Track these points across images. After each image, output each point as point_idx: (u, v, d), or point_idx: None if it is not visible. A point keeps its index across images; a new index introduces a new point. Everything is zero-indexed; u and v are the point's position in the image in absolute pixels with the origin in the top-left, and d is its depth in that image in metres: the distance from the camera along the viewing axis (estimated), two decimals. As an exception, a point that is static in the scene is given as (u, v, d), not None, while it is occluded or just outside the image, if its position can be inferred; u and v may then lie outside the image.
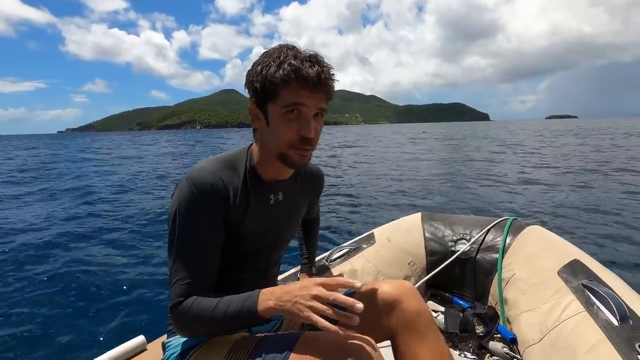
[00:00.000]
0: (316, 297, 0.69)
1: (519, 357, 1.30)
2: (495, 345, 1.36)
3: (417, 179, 9.33)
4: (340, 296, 0.68)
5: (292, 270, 1.65)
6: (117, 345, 1.18)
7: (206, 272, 0.81)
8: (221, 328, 0.78)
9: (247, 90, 0.83)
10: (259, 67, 0.78)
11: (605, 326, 1.09)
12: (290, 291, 0.72)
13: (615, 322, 1.08)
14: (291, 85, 0.75)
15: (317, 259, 1.77)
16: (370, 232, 1.94)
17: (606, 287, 1.23)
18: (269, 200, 0.90)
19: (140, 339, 1.21)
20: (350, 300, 0.68)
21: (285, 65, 0.74)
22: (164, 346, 0.94)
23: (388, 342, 0.88)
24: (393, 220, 2.06)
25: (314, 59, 0.77)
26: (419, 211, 2.06)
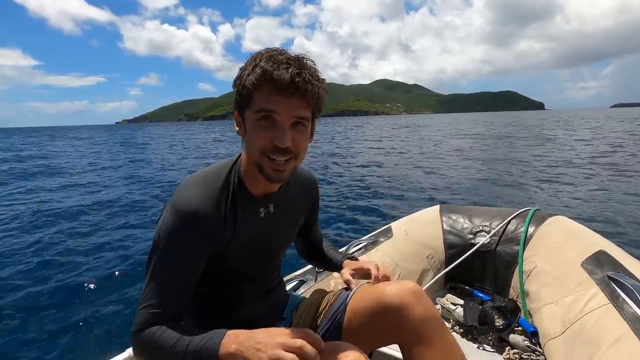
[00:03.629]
0: (281, 346, 0.64)
1: (540, 350, 1.28)
2: (516, 338, 1.34)
3: (439, 172, 9.13)
4: (306, 345, 0.64)
5: (299, 272, 1.65)
6: (119, 353, 1.14)
7: (177, 302, 0.77)
8: None
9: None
10: (240, 72, 0.74)
11: (631, 319, 1.05)
12: (254, 337, 0.67)
13: (642, 315, 1.04)
14: (262, 90, 0.70)
15: (335, 253, 1.80)
16: (388, 225, 1.94)
17: (633, 279, 1.18)
18: (259, 214, 0.85)
19: (128, 353, 1.16)
20: (313, 354, 0.64)
21: (257, 69, 0.69)
22: None
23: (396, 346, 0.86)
24: (411, 213, 2.05)
25: (293, 61, 0.70)
26: (437, 204, 2.03)
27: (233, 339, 0.68)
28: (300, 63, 0.70)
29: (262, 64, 0.69)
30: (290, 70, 0.68)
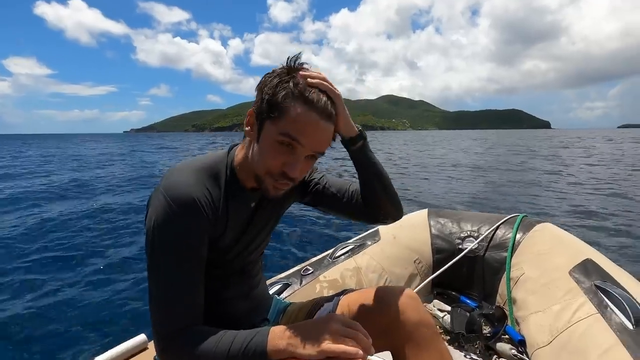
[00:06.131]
0: (335, 333, 0.63)
1: (527, 359, 1.26)
2: (503, 346, 1.32)
3: (425, 178, 9.21)
4: (359, 334, 0.63)
5: (283, 275, 1.61)
6: (118, 344, 1.18)
7: (197, 298, 0.71)
8: None
9: (255, 92, 0.73)
10: (277, 80, 0.68)
11: (620, 330, 1.04)
12: (303, 330, 0.65)
13: (630, 326, 1.03)
14: (297, 113, 0.66)
15: (320, 256, 1.75)
16: (375, 228, 1.90)
17: (620, 289, 1.18)
18: (250, 207, 0.83)
19: (141, 337, 1.20)
20: (368, 343, 0.63)
21: (298, 88, 0.67)
22: None
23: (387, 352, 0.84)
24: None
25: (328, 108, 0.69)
26: (425, 208, 2.01)
27: (280, 334, 0.65)
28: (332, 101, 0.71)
29: (310, 95, 0.67)
30: (330, 104, 0.69)
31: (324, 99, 0.69)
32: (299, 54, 0.72)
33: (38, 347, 2.33)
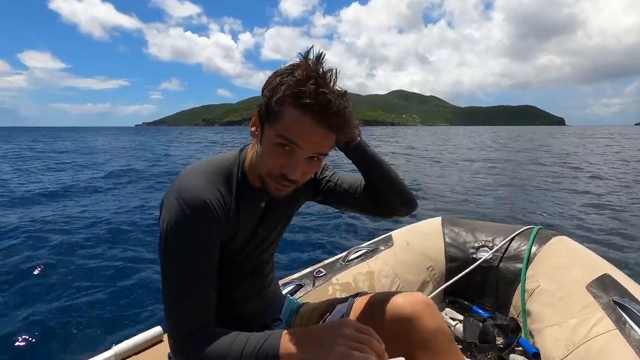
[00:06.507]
0: (348, 338, 0.61)
1: (541, 372, 1.25)
2: (516, 358, 1.31)
3: (440, 182, 9.14)
4: (373, 340, 0.62)
5: (296, 275, 1.62)
6: (134, 335, 1.20)
7: (210, 300, 0.72)
8: None
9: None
10: (277, 80, 0.66)
11: (638, 346, 1.03)
12: (316, 334, 0.65)
13: (650, 343, 1.02)
14: (290, 114, 0.64)
15: (332, 259, 1.76)
16: (389, 234, 1.91)
17: (639, 305, 1.16)
18: (260, 207, 0.83)
19: (157, 329, 1.22)
20: (381, 349, 0.62)
21: (292, 88, 0.63)
22: (170, 357, 0.90)
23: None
24: (411, 223, 2.02)
25: (335, 97, 0.64)
26: (439, 215, 2.01)
27: (292, 338, 0.65)
28: (341, 100, 0.65)
29: (300, 85, 0.62)
30: (329, 106, 0.63)
31: (322, 98, 0.63)
32: (310, 48, 0.66)
33: (60, 336, 2.42)
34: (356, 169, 0.92)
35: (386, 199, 0.91)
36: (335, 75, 0.66)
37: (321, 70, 0.65)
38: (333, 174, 0.97)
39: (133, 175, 10.00)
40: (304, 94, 0.62)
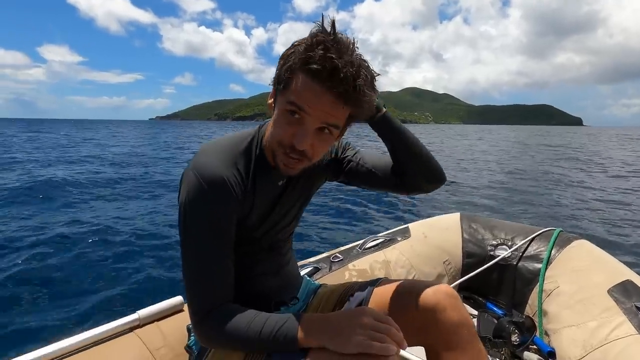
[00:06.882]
0: (367, 326, 0.62)
1: (555, 371, 1.25)
2: (530, 356, 1.31)
3: (461, 179, 9.07)
4: (392, 328, 0.62)
5: (313, 259, 1.63)
6: (155, 303, 1.22)
7: (228, 276, 0.73)
8: (252, 346, 0.69)
9: None
10: (290, 51, 0.66)
11: (661, 352, 1.02)
12: (334, 321, 0.65)
13: (673, 350, 1.01)
14: (298, 79, 0.64)
15: (349, 246, 1.77)
16: (406, 225, 1.91)
17: None
18: (276, 186, 0.82)
19: (178, 299, 1.25)
20: (400, 337, 0.62)
21: (302, 54, 0.62)
22: (189, 328, 0.92)
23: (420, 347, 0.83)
24: (428, 217, 2.02)
25: (344, 61, 0.61)
26: (456, 211, 2.00)
27: (311, 323, 0.66)
28: (353, 68, 0.61)
29: (309, 50, 0.61)
30: (337, 72, 0.60)
31: (329, 59, 0.61)
32: (323, 18, 0.64)
33: (88, 302, 2.60)
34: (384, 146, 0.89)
35: (414, 173, 0.87)
36: (353, 45, 0.64)
37: (332, 37, 0.62)
38: (355, 154, 0.94)
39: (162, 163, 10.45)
40: (312, 60, 0.61)
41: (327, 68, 0.61)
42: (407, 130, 0.87)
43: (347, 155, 0.94)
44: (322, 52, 0.61)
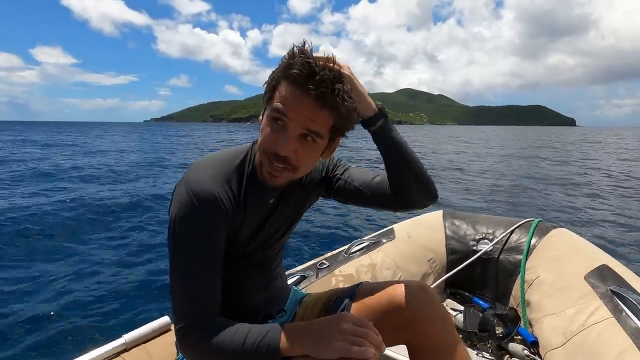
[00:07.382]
0: (347, 332, 0.64)
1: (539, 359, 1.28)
2: (515, 347, 1.34)
3: (444, 178, 9.15)
4: (371, 332, 0.64)
5: (300, 267, 1.65)
6: (142, 325, 1.22)
7: (215, 291, 0.74)
8: (236, 358, 0.69)
9: None
10: (277, 67, 0.70)
11: (635, 334, 1.06)
12: (316, 328, 0.67)
13: (645, 330, 1.05)
14: (280, 88, 0.68)
15: (335, 251, 1.79)
16: (390, 227, 1.93)
17: (636, 294, 1.19)
18: (267, 203, 0.83)
19: (165, 319, 1.25)
20: (379, 340, 0.64)
21: (292, 66, 0.65)
22: (177, 345, 0.94)
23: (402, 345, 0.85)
24: (413, 216, 2.05)
25: (320, 68, 0.65)
26: (439, 209, 2.03)
27: (292, 332, 0.67)
28: (331, 73, 0.65)
29: (291, 58, 0.66)
30: (314, 75, 0.64)
31: (306, 66, 0.64)
32: (303, 43, 0.68)
33: (69, 324, 2.50)
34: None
35: (407, 189, 0.86)
36: (333, 62, 0.68)
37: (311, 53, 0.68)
38: (344, 171, 0.94)
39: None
40: (292, 66, 0.65)
41: (304, 72, 0.64)
42: (404, 141, 0.87)
43: (337, 173, 0.95)
44: (301, 59, 0.65)
